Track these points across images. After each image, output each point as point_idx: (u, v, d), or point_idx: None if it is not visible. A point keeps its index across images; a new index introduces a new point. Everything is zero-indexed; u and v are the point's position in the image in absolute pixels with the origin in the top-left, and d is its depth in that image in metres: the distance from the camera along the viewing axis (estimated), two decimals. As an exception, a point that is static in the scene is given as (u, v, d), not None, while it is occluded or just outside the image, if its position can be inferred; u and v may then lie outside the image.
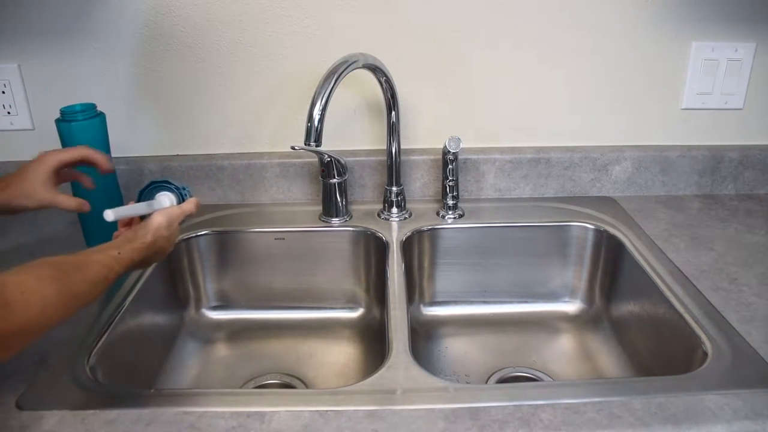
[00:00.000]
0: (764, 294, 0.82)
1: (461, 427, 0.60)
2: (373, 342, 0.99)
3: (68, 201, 0.82)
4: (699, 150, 1.12)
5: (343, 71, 0.84)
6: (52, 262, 0.60)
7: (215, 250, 1.03)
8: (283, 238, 1.03)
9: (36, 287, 0.54)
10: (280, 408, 0.62)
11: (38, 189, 0.79)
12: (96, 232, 0.96)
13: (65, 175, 0.85)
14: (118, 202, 0.97)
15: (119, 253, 0.68)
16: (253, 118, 1.10)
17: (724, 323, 0.75)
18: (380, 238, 1.00)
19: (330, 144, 1.09)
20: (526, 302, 1.06)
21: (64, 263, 0.60)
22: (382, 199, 1.07)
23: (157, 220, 0.76)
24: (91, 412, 0.62)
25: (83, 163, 0.84)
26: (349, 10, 1.02)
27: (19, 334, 0.52)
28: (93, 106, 0.91)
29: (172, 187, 0.83)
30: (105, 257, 0.65)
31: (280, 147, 1.11)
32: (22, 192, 0.79)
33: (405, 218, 1.05)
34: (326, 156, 0.99)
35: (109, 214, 0.74)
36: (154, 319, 0.92)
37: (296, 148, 0.91)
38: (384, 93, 0.97)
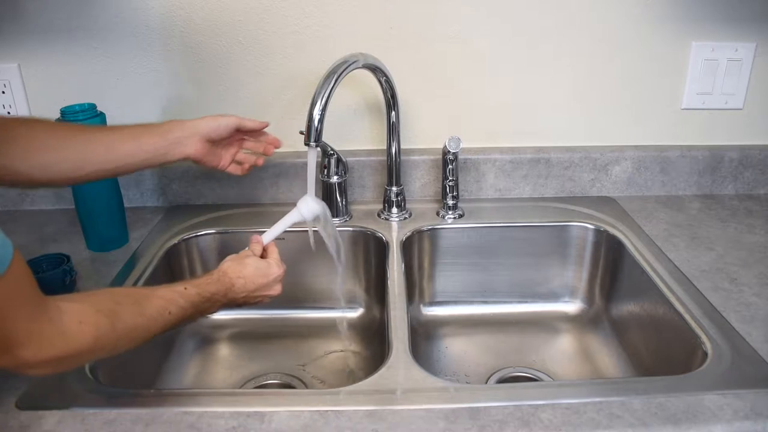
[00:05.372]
0: (764, 294, 0.82)
1: (461, 427, 0.60)
2: (373, 342, 0.99)
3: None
4: (699, 150, 1.12)
5: (343, 71, 0.83)
6: (114, 294, 0.61)
7: (215, 250, 1.03)
8: (283, 238, 1.03)
9: (93, 318, 0.55)
10: (280, 408, 0.62)
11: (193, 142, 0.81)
12: (96, 232, 0.96)
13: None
14: (118, 202, 0.97)
15: (185, 288, 0.67)
16: (253, 117, 1.09)
17: (724, 323, 0.75)
18: (380, 238, 1.00)
19: (330, 144, 1.09)
20: (526, 302, 1.06)
21: (126, 296, 0.62)
22: (382, 199, 1.07)
23: (226, 263, 0.76)
24: (91, 412, 0.62)
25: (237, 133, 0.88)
26: (349, 11, 1.02)
27: (71, 358, 0.55)
28: (93, 106, 0.91)
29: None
30: (168, 291, 0.66)
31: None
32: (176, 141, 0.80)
33: (405, 218, 1.05)
34: (330, 149, 0.99)
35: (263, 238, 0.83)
36: (154, 319, 0.92)
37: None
38: (384, 93, 0.97)
